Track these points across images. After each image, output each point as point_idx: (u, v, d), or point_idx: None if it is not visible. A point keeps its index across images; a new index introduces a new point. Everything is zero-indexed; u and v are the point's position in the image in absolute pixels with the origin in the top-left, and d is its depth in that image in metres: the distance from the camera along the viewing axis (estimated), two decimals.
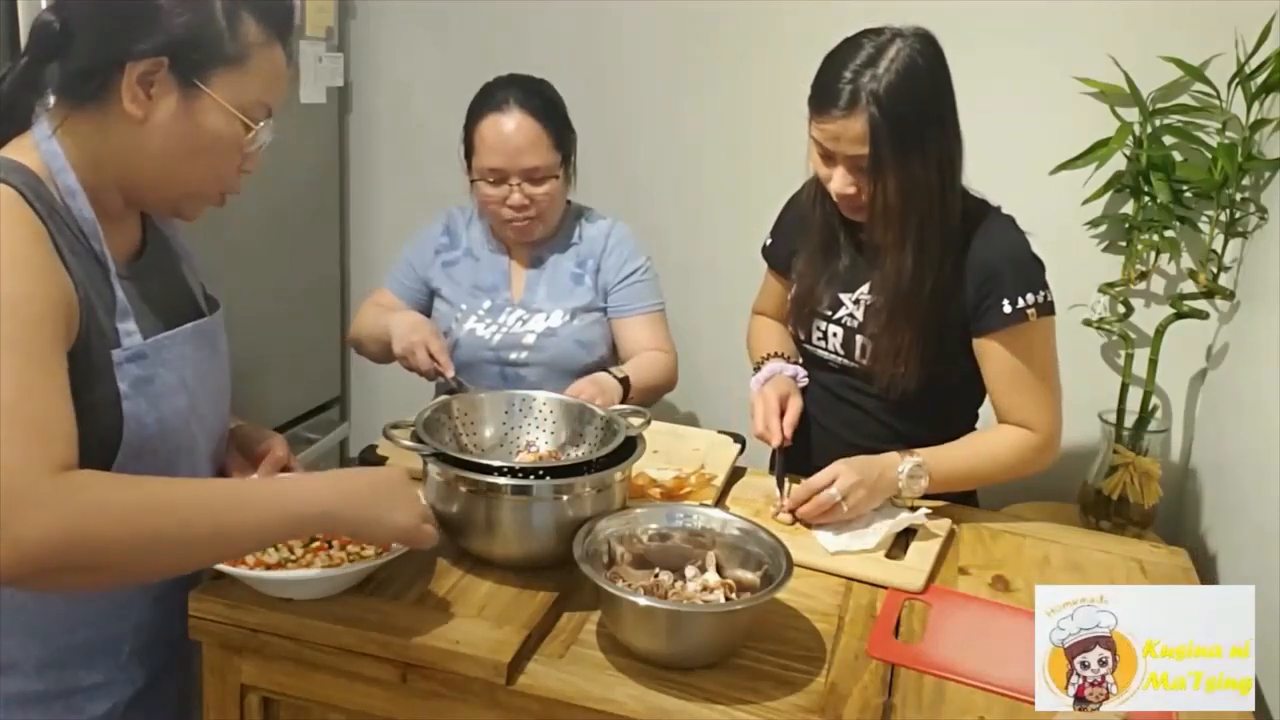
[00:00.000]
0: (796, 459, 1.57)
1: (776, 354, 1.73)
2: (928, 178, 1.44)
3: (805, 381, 1.69)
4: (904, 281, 1.50)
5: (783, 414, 1.59)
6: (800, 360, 1.73)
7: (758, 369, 1.74)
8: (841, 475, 1.44)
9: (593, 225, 1.95)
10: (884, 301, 1.53)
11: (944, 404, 1.61)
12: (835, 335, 1.63)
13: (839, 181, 1.47)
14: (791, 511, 1.46)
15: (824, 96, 1.44)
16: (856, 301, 1.60)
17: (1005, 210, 1.57)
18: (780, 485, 1.53)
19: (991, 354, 1.53)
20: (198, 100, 1.08)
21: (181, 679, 1.28)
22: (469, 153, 1.86)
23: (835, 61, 1.45)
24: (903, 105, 1.40)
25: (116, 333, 1.08)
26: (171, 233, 1.29)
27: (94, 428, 1.03)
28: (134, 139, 1.08)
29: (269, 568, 1.16)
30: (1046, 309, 1.51)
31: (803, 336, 1.70)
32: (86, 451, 0.97)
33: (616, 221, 1.97)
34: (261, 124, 1.13)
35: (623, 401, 1.69)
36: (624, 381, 1.73)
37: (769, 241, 1.79)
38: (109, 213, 1.12)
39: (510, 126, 1.79)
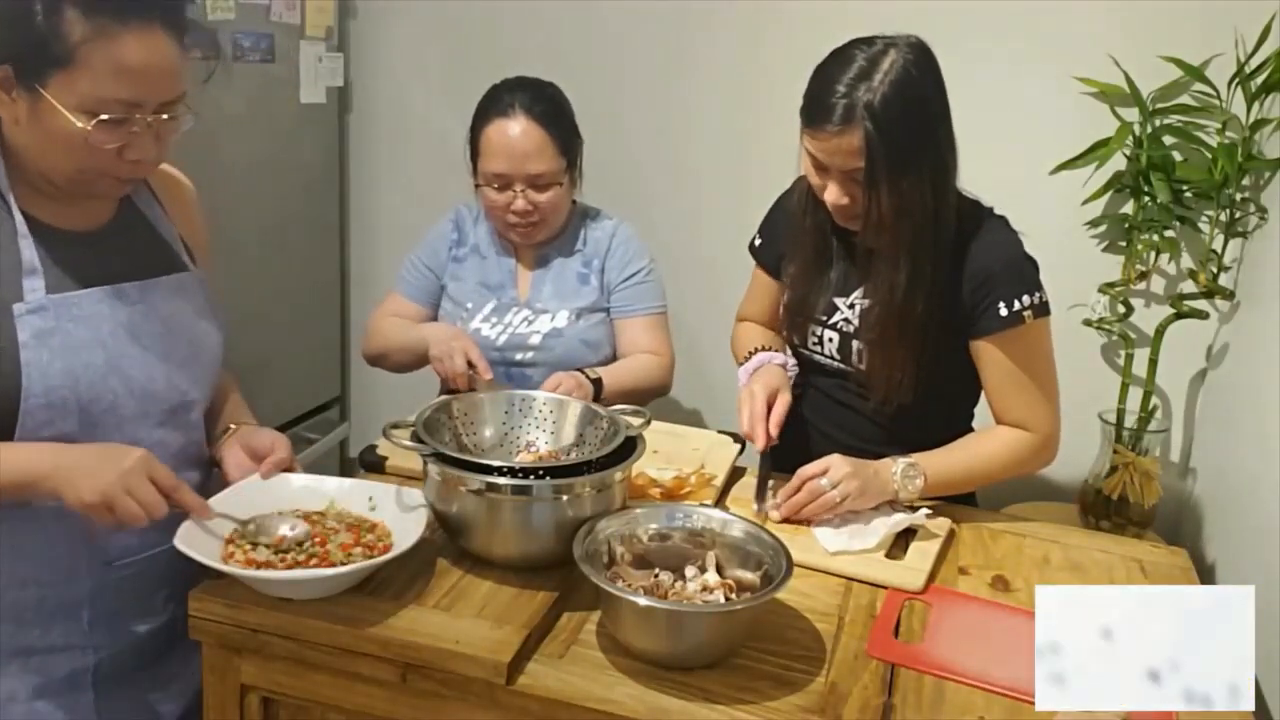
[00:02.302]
0: (793, 462, 1.56)
1: (763, 347, 1.71)
2: (923, 190, 1.43)
3: (795, 370, 1.68)
4: (898, 296, 1.49)
5: (771, 409, 1.57)
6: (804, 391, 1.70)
7: (744, 363, 1.71)
8: (834, 466, 1.44)
9: (598, 225, 1.95)
10: (879, 316, 1.52)
11: (940, 406, 1.60)
12: (831, 340, 1.63)
13: (833, 194, 1.46)
14: (786, 516, 1.46)
15: (817, 111, 1.42)
16: (851, 306, 1.59)
17: (1004, 210, 1.56)
18: (762, 486, 1.52)
19: (988, 356, 1.53)
20: (40, 103, 1.11)
21: (181, 668, 1.30)
22: (474, 156, 1.86)
23: (827, 74, 1.43)
24: (898, 119, 1.38)
25: (21, 288, 1.16)
26: (155, 216, 1.32)
27: None
28: (16, 135, 1.16)
29: (264, 567, 1.16)
30: (1042, 310, 1.50)
31: (797, 342, 1.69)
32: None
33: (621, 223, 1.96)
34: (105, 117, 1.11)
35: (595, 401, 1.68)
36: (596, 382, 1.73)
37: (758, 241, 1.78)
38: (42, 189, 1.20)
39: (515, 132, 1.78)
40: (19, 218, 1.18)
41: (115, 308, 1.22)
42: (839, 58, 1.43)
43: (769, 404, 1.56)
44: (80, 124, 1.11)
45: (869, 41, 1.43)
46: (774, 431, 1.55)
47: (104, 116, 1.12)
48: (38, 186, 1.20)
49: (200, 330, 1.32)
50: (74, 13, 1.08)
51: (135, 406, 1.23)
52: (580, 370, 1.75)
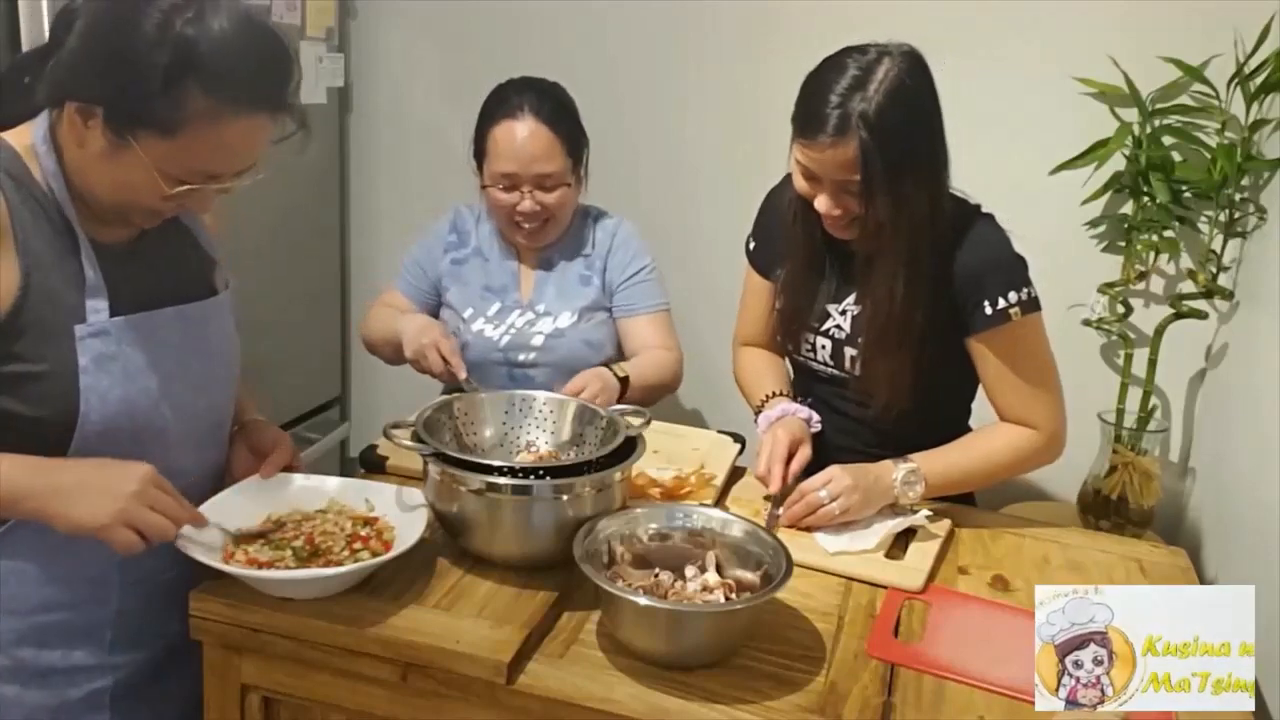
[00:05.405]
0: None
1: (780, 393, 1.68)
2: (919, 197, 1.42)
3: (818, 427, 1.62)
4: (896, 306, 1.48)
5: (790, 458, 1.53)
6: (804, 399, 1.69)
7: (759, 410, 1.66)
8: (835, 478, 1.44)
9: (599, 225, 1.95)
10: (878, 323, 1.51)
11: (936, 406, 1.59)
12: (824, 347, 1.62)
13: (825, 204, 1.44)
14: (788, 524, 1.46)
15: (811, 122, 1.39)
16: (843, 312, 1.59)
17: (1003, 210, 1.55)
18: (776, 504, 1.50)
19: (982, 355, 1.52)
20: (125, 150, 1.06)
21: (185, 680, 1.29)
22: (479, 156, 1.85)
23: (820, 83, 1.40)
24: (893, 128, 1.36)
25: (84, 308, 1.12)
26: (190, 221, 1.30)
27: (47, 396, 1.08)
28: (73, 156, 1.11)
29: (265, 567, 1.17)
30: (1031, 306, 1.49)
31: (791, 349, 1.69)
32: (39, 420, 1.06)
33: (622, 221, 1.96)
34: (180, 189, 1.08)
35: (621, 400, 1.68)
36: (624, 381, 1.72)
37: (752, 245, 1.75)
38: (89, 205, 1.14)
39: (524, 133, 1.78)
40: (80, 234, 1.13)
41: (170, 331, 1.20)
42: (831, 66, 1.41)
43: (791, 452, 1.53)
44: (163, 185, 1.08)
45: (862, 50, 1.41)
46: (790, 480, 1.51)
47: (188, 186, 1.09)
48: (84, 201, 1.14)
49: (233, 347, 1.31)
50: (196, 88, 1.04)
51: (180, 430, 1.21)
52: (607, 366, 1.73)
